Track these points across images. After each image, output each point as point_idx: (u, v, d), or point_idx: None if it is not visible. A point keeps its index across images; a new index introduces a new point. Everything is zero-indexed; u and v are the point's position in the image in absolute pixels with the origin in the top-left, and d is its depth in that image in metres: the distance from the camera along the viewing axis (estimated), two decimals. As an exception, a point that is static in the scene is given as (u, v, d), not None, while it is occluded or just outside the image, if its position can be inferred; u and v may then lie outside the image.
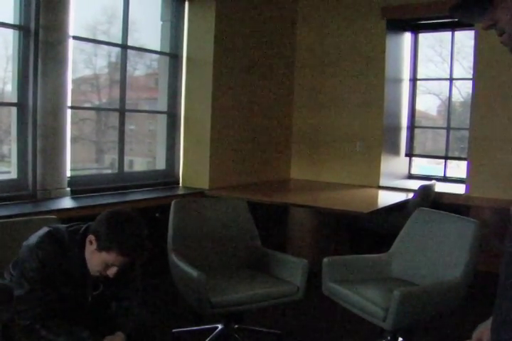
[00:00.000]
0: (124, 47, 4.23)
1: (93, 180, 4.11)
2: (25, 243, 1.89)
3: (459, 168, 5.64)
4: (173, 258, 2.98)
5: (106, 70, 4.62)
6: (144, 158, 5.25)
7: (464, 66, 5.48)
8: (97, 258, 1.85)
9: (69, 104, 3.78)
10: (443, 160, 5.60)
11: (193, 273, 2.71)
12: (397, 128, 5.60)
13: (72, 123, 3.93)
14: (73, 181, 3.87)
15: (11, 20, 3.47)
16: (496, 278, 1.03)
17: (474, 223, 2.91)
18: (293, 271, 3.02)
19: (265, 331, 3.23)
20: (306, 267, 2.97)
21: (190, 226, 3.23)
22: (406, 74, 5.62)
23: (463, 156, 5.36)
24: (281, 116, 5.64)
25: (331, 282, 3.00)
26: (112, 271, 1.86)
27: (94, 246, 1.85)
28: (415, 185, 4.77)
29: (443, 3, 4.06)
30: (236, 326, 3.13)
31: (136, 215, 1.94)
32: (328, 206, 4.14)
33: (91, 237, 1.86)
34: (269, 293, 2.90)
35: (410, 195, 4.61)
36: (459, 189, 4.98)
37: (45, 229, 1.92)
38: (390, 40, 5.30)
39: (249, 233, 3.37)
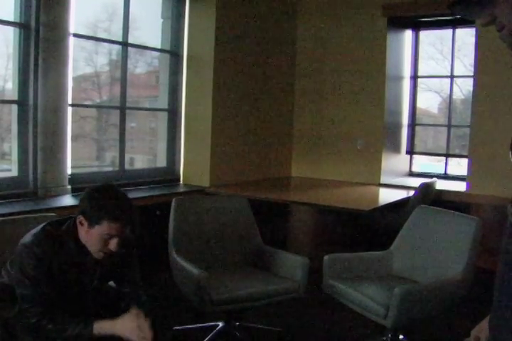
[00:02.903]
0: (124, 44, 4.23)
1: (94, 178, 4.10)
2: (21, 241, 1.89)
3: (459, 166, 5.64)
4: (174, 255, 2.98)
5: (106, 68, 4.61)
6: (144, 155, 5.25)
7: (465, 63, 5.47)
8: (92, 236, 1.85)
9: (69, 101, 3.77)
10: (444, 158, 5.59)
11: (194, 270, 2.71)
12: (398, 126, 5.59)
13: (73, 120, 3.93)
14: (74, 179, 3.87)
15: (11, 18, 3.47)
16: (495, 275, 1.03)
17: (475, 220, 2.91)
18: (294, 268, 3.02)
19: (266, 328, 3.23)
20: (307, 265, 2.97)
21: (191, 224, 3.23)
22: (407, 72, 5.61)
23: (464, 154, 5.35)
24: (282, 113, 5.64)
25: (331, 279, 3.00)
26: (113, 244, 1.86)
27: (86, 225, 1.85)
28: (416, 182, 4.77)
29: (443, 1, 4.04)
30: (237, 323, 3.14)
31: (112, 184, 2.00)
32: (329, 203, 4.14)
33: (80, 218, 1.87)
34: (269, 290, 2.90)
35: (411, 193, 4.60)
36: (460, 186, 4.97)
37: (39, 227, 1.92)
38: (391, 38, 5.29)
39: (250, 231, 3.37)
